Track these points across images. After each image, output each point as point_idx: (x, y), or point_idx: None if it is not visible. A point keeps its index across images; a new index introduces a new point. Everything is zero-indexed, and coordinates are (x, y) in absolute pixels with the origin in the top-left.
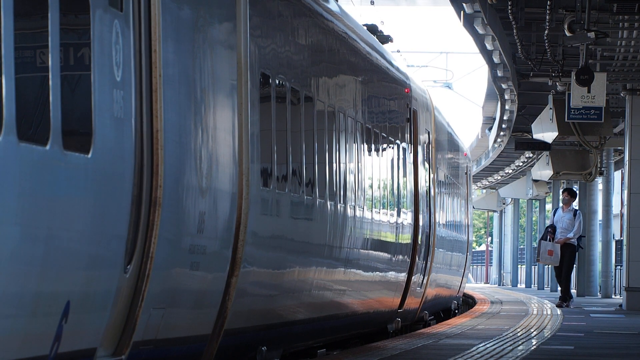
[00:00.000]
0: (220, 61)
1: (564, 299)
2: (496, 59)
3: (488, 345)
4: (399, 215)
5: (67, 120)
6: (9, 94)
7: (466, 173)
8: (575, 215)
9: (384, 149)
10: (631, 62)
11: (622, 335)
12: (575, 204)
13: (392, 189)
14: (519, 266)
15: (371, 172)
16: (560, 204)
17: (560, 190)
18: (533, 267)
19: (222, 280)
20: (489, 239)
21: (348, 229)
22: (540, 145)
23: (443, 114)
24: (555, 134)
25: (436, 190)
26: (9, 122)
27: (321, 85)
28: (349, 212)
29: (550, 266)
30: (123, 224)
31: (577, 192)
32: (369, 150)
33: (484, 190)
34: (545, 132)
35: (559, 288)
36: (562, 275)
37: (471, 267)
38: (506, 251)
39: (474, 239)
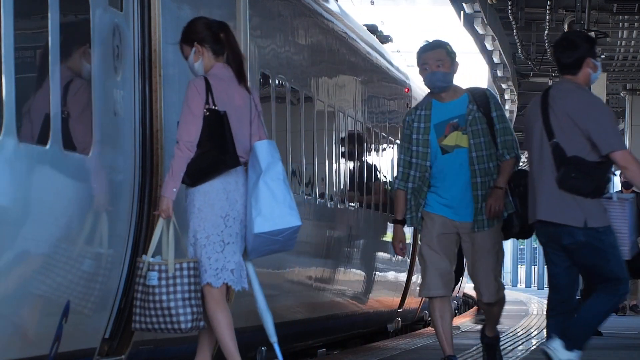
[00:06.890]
0: None
1: None
2: (496, 59)
3: None
4: None
5: (67, 120)
6: (8, 94)
7: None
8: None
9: (384, 149)
10: (631, 62)
11: (622, 335)
12: None
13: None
14: (519, 266)
15: (371, 172)
16: None
17: None
18: (533, 267)
19: None
20: None
21: (348, 229)
22: None
23: None
24: None
25: None
26: (9, 122)
27: (321, 85)
28: (349, 211)
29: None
30: (123, 224)
31: None
32: (369, 150)
33: None
34: None
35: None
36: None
37: None
38: (506, 251)
39: None
